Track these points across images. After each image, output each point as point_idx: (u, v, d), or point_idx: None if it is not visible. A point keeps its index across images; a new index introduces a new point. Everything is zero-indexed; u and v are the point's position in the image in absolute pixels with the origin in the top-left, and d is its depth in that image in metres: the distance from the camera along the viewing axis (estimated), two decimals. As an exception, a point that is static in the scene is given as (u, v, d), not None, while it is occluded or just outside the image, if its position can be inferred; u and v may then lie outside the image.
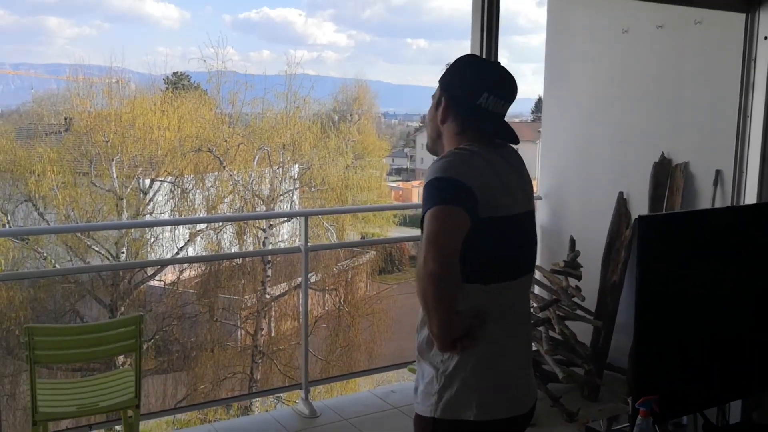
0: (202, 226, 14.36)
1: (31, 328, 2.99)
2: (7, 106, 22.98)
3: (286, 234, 14.86)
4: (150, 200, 14.60)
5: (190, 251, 14.14)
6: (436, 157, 1.79)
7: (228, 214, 15.19)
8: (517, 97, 1.82)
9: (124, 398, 3.19)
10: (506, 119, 1.84)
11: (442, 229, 1.59)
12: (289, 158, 15.48)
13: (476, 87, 1.77)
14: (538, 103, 35.53)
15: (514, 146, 1.88)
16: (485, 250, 1.69)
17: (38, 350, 2.98)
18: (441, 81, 1.85)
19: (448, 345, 1.67)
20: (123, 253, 13.66)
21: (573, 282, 4.35)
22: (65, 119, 15.66)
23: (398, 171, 39.66)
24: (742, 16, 4.00)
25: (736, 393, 3.24)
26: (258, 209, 14.96)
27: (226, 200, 14.95)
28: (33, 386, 2.99)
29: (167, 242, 14.23)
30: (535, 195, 5.14)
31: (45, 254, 13.27)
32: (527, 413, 1.85)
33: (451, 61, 1.86)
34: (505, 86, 1.80)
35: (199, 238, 14.34)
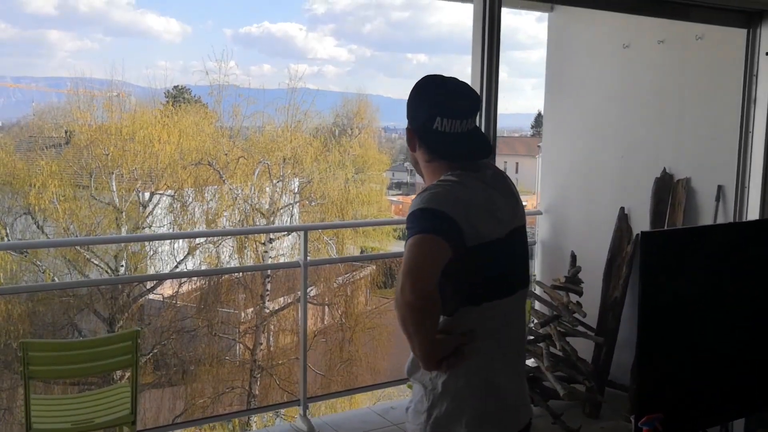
0: (202, 239, 14.33)
1: (26, 343, 2.96)
2: (7, 119, 22.98)
3: (286, 248, 14.82)
4: (149, 213, 14.58)
5: (189, 264, 14.10)
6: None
7: (228, 228, 15.15)
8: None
9: (120, 415, 3.15)
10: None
11: (420, 259, 1.58)
12: (289, 172, 15.48)
13: (428, 114, 1.74)
14: (538, 118, 35.59)
15: (489, 155, 1.84)
16: (476, 275, 1.69)
17: (33, 366, 2.95)
18: (408, 114, 1.83)
19: (432, 365, 1.66)
20: (122, 266, 13.63)
21: (574, 298, 4.33)
22: (65, 132, 15.67)
23: (398, 185, 39.66)
24: (743, 31, 4.01)
25: (740, 411, 3.21)
26: (258, 223, 14.93)
27: (225, 214, 14.93)
28: (27, 402, 2.96)
29: (166, 255, 14.20)
30: (535, 210, 5.15)
31: (44, 267, 13.23)
32: (522, 430, 1.83)
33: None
34: (457, 105, 1.75)
35: (198, 252, 14.30)
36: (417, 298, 1.54)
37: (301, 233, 4.40)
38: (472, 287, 1.69)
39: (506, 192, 1.82)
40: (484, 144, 1.81)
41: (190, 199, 14.79)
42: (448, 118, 1.72)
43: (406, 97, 1.83)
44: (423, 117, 1.76)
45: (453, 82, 1.80)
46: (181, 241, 14.39)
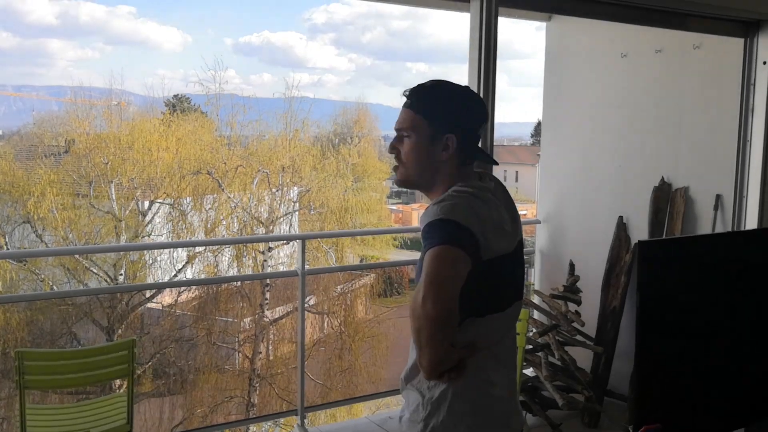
0: (201, 248, 14.32)
1: (22, 352, 2.94)
2: (8, 128, 23.01)
3: (285, 257, 14.80)
4: (149, 222, 14.58)
5: (188, 273, 14.08)
6: (435, 198, 1.75)
7: (226, 237, 15.14)
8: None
9: (116, 424, 3.14)
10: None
11: (445, 271, 1.55)
12: (288, 181, 15.48)
13: (477, 120, 1.80)
14: (537, 127, 35.63)
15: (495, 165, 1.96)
16: (485, 288, 1.68)
17: (29, 375, 2.94)
18: (439, 115, 1.77)
19: (435, 376, 1.64)
20: (121, 275, 13.60)
21: (573, 307, 4.31)
22: (65, 141, 15.67)
23: (398, 193, 39.64)
24: (741, 41, 4.02)
25: (739, 421, 3.19)
26: (257, 232, 14.92)
27: (224, 222, 14.92)
28: (23, 412, 2.95)
29: (165, 264, 14.17)
30: (534, 219, 5.14)
31: (42, 276, 13.20)
32: None
33: (410, 87, 1.83)
34: (486, 113, 1.86)
35: (197, 261, 14.28)
36: (439, 310, 1.51)
37: (300, 242, 4.38)
38: (479, 300, 1.68)
39: (509, 205, 1.83)
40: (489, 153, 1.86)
41: (189, 208, 14.79)
42: (485, 125, 1.83)
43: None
44: (472, 122, 1.80)
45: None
46: (180, 249, 14.37)
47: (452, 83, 1.83)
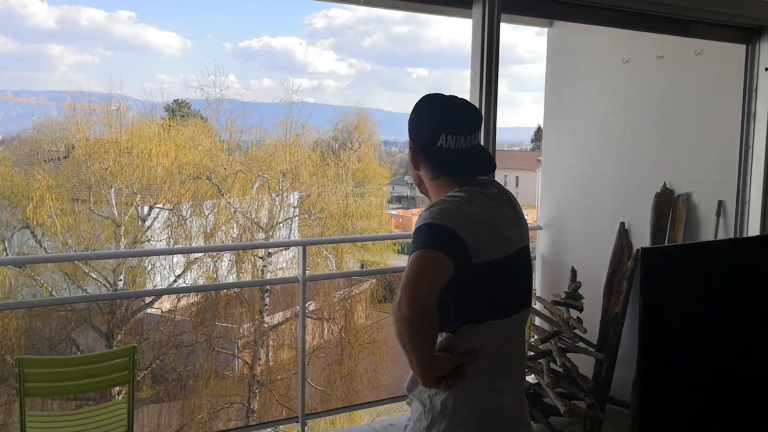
0: (200, 253, 14.30)
1: (22, 359, 2.93)
2: (8, 133, 22.99)
3: (284, 262, 14.78)
4: (148, 228, 14.55)
5: (188, 278, 14.05)
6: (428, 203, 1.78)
7: (226, 243, 15.13)
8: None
9: (117, 432, 3.12)
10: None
11: (420, 274, 1.56)
12: (288, 186, 15.47)
13: (432, 131, 1.75)
14: (538, 132, 35.64)
15: (494, 169, 1.88)
16: (480, 293, 1.67)
17: (29, 382, 2.93)
18: (408, 128, 1.84)
19: (431, 382, 1.64)
20: (120, 280, 13.58)
21: (574, 313, 4.30)
22: (65, 146, 15.65)
23: (398, 198, 39.64)
24: (743, 47, 4.02)
25: (743, 429, 3.18)
26: (257, 237, 14.89)
27: (223, 228, 14.90)
28: (23, 419, 2.93)
29: (165, 270, 14.15)
30: (535, 225, 5.13)
31: (42, 281, 13.17)
32: None
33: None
34: (460, 121, 1.77)
35: (196, 266, 14.26)
36: (413, 313, 1.52)
37: (300, 248, 4.37)
38: (475, 305, 1.68)
39: (512, 211, 1.82)
40: (487, 159, 1.81)
41: (189, 213, 14.77)
42: (452, 135, 1.74)
43: (406, 111, 1.84)
44: (427, 134, 1.77)
45: (454, 99, 1.82)
46: (179, 255, 14.35)
47: (433, 95, 1.83)
